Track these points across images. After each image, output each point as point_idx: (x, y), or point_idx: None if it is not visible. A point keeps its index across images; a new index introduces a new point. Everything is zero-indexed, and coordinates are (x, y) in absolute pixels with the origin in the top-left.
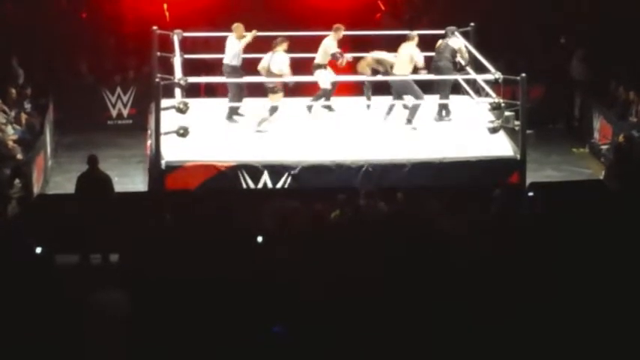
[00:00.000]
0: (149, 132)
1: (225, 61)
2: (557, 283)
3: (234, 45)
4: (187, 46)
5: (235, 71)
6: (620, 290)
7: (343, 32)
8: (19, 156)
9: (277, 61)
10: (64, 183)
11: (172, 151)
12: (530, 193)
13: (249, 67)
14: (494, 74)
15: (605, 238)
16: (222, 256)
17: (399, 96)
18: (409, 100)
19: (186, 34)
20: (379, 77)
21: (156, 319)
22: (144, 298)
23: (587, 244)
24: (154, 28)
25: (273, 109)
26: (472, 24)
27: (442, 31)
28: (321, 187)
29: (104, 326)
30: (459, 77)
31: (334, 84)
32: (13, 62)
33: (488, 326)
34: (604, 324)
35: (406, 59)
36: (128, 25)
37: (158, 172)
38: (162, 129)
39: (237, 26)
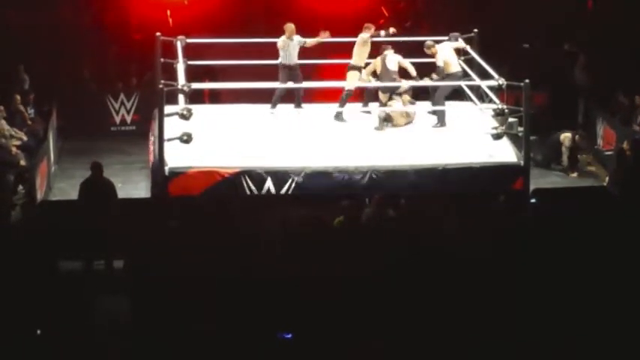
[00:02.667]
0: (152, 138)
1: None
2: (559, 288)
3: (285, 44)
4: (190, 52)
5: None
6: (621, 296)
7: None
8: (23, 162)
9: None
10: (68, 189)
11: (176, 158)
12: (533, 200)
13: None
14: (498, 80)
15: (607, 245)
16: (226, 262)
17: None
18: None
19: (189, 41)
20: (402, 83)
21: (158, 324)
22: (146, 303)
23: (590, 250)
24: (158, 34)
25: None
26: (475, 30)
27: (445, 37)
28: (325, 193)
29: (107, 331)
30: (463, 83)
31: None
32: (20, 69)
33: (490, 331)
34: (606, 329)
35: None
36: (132, 32)
37: (161, 178)
38: (166, 135)
39: (287, 26)
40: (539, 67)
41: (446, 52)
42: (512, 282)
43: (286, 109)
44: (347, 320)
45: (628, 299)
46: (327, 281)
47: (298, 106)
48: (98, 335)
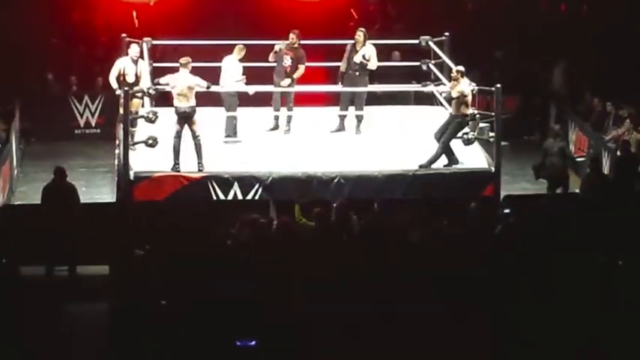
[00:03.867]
0: (117, 142)
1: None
2: (530, 295)
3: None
4: (157, 53)
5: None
6: (592, 303)
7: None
8: None
9: None
10: (31, 193)
11: (141, 162)
12: (507, 210)
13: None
14: (470, 85)
15: (579, 251)
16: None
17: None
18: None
19: (155, 42)
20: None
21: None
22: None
23: (562, 256)
24: (123, 35)
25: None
26: (447, 33)
27: (416, 41)
28: (293, 198)
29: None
30: (433, 88)
31: None
32: None
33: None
34: (579, 336)
35: None
36: (97, 33)
37: (126, 182)
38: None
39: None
40: (511, 72)
41: (465, 88)
42: (484, 288)
43: (254, 113)
44: (311, 327)
45: (599, 306)
46: (294, 289)
47: None
48: (62, 343)
